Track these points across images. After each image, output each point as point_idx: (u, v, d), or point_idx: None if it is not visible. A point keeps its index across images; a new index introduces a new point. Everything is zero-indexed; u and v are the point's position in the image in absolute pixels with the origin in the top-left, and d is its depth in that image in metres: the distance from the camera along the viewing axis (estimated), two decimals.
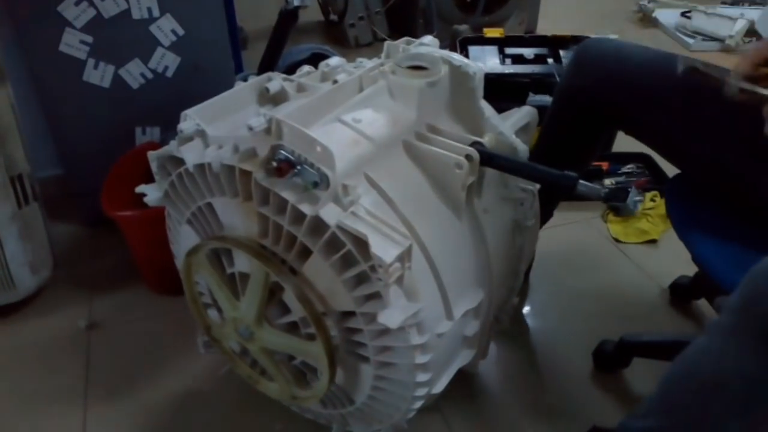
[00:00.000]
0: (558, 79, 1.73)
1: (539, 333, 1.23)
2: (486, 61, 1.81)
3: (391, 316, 0.69)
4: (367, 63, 0.93)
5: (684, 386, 0.70)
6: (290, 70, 1.01)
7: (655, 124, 0.94)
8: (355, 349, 0.79)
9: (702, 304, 1.29)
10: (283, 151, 0.71)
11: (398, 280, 0.70)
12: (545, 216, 1.22)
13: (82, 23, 1.25)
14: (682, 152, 0.95)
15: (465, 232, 0.80)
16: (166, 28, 1.33)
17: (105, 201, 1.19)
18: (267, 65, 1.17)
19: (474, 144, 0.78)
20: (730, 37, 2.41)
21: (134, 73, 1.35)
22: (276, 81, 0.90)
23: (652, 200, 1.57)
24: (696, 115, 0.88)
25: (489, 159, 0.77)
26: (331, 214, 0.69)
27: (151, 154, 0.85)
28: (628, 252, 1.45)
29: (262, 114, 0.72)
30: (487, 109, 0.85)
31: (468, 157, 0.76)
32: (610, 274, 1.38)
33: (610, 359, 1.13)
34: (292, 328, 0.81)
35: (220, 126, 0.84)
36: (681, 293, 1.31)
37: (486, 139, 0.80)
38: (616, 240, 1.48)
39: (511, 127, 0.86)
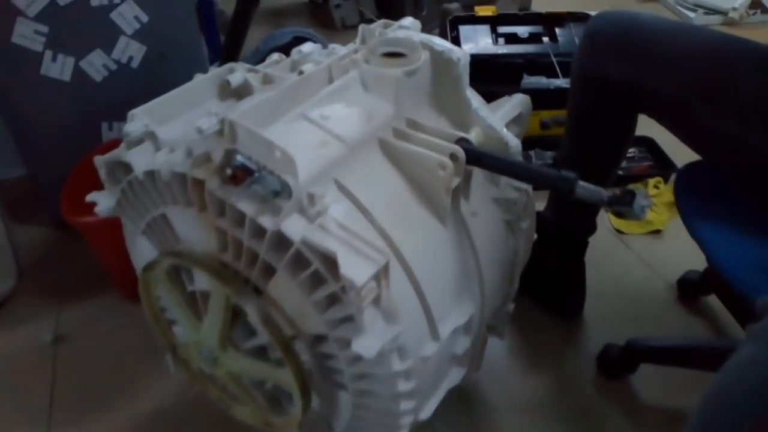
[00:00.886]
0: (553, 59, 1.63)
1: (537, 336, 1.15)
2: (478, 41, 1.70)
3: (366, 344, 0.60)
4: (340, 50, 0.83)
5: (729, 404, 0.59)
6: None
7: (678, 102, 0.85)
8: (330, 375, 0.70)
9: (712, 300, 1.21)
10: (238, 157, 0.62)
11: (374, 301, 0.61)
12: (586, 227, 1.13)
13: (35, 12, 1.14)
14: (705, 132, 0.86)
15: (451, 239, 0.71)
16: (128, 15, 1.22)
17: (65, 206, 1.10)
18: (229, 55, 1.07)
19: (459, 141, 0.68)
20: (734, 9, 2.30)
21: (96, 64, 1.25)
22: (238, 73, 0.80)
23: (656, 187, 1.48)
24: (724, 89, 0.79)
25: (476, 158, 0.67)
26: (294, 227, 0.60)
27: (98, 160, 0.76)
28: (631, 244, 1.36)
29: (214, 113, 0.63)
30: (475, 99, 0.75)
31: (452, 156, 0.66)
32: (612, 268, 1.29)
33: (616, 365, 1.05)
34: (261, 351, 0.73)
35: (174, 126, 0.74)
36: (689, 289, 1.23)
37: (473, 135, 0.71)
38: (618, 231, 1.39)
39: (501, 120, 0.77)
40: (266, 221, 0.61)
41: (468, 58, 0.73)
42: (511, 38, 1.71)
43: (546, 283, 1.14)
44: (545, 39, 1.72)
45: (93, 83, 1.26)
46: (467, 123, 0.74)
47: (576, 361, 1.10)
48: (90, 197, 0.81)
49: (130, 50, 1.27)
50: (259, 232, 0.62)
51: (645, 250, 1.34)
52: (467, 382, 0.89)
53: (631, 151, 1.61)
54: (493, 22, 1.73)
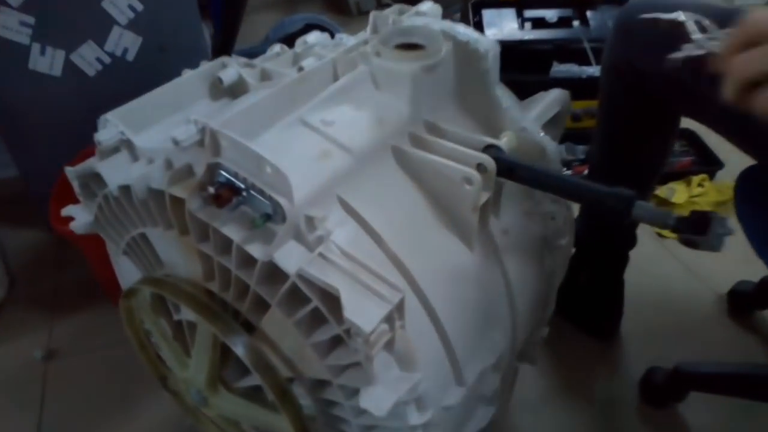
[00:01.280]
0: (586, 45, 1.50)
1: (571, 355, 1.03)
2: (502, 26, 1.58)
3: (377, 398, 0.50)
4: (348, 41, 0.72)
5: None
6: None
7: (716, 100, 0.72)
8: (335, 423, 0.60)
9: None
10: (223, 172, 0.52)
11: (387, 346, 0.51)
12: (625, 240, 1.01)
13: (19, 1, 1.05)
14: (762, 136, 0.73)
15: (479, 264, 0.60)
16: (121, 4, 1.12)
17: (53, 212, 1.01)
18: (221, 47, 0.97)
19: (488, 148, 0.57)
20: None
21: (89, 57, 1.15)
22: (231, 68, 0.69)
23: (700, 185, 1.35)
24: None
25: (509, 169, 0.56)
26: (290, 257, 0.50)
27: (70, 171, 0.66)
28: (674, 250, 1.23)
29: (193, 120, 0.52)
30: (506, 97, 0.64)
31: (480, 167, 0.55)
32: (654, 278, 1.17)
33: (662, 392, 0.94)
34: (257, 392, 0.63)
35: (156, 133, 0.64)
36: (742, 302, 1.10)
37: (504, 140, 0.60)
38: (659, 235, 1.26)
39: (536, 121, 0.65)
40: (256, 250, 0.50)
41: (497, 50, 0.62)
42: (539, 23, 1.58)
43: (577, 299, 1.02)
44: (576, 23, 1.58)
45: (86, 78, 1.17)
46: (497, 126, 0.63)
47: (616, 385, 0.98)
48: (66, 211, 0.71)
49: (125, 42, 1.17)
50: (249, 260, 0.52)
51: (690, 256, 1.21)
52: (495, 416, 0.78)
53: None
54: (519, 5, 1.60)
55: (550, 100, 0.70)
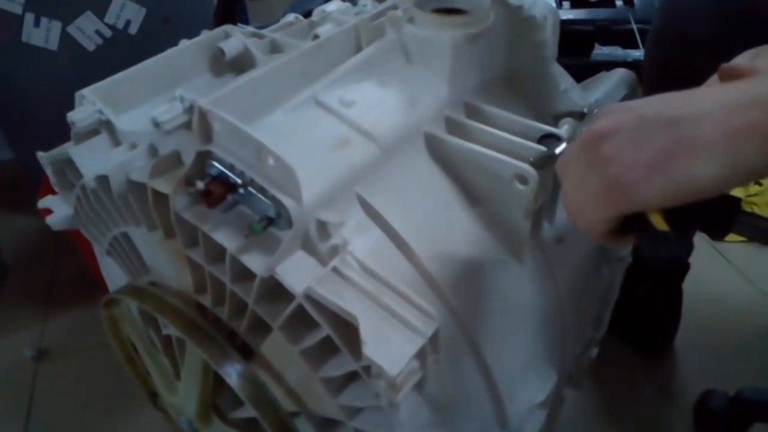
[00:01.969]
0: (633, 25, 1.37)
1: (615, 374, 0.92)
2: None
3: None
4: (375, 6, 0.61)
5: None
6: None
7: None
8: None
9: None
10: (215, 163, 0.41)
11: (417, 386, 0.40)
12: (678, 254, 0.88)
13: None
14: None
15: (529, 282, 0.49)
16: None
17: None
18: (224, 14, 0.86)
19: (546, 139, 0.46)
20: None
21: (87, 30, 1.06)
22: (235, 38, 0.59)
23: (758, 183, 1.22)
24: None
25: None
26: (296, 272, 0.39)
27: (42, 157, 0.56)
28: (730, 254, 1.10)
29: (179, 98, 0.42)
30: (564, 77, 0.52)
31: (536, 163, 0.44)
32: (707, 286, 1.04)
33: (720, 420, 0.82)
34: (256, 424, 0.53)
35: (144, 113, 0.54)
36: None
37: (565, 128, 0.48)
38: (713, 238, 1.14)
39: (601, 105, 0.54)
40: (254, 262, 0.40)
41: (558, 17, 0.51)
42: (578, 1, 1.45)
43: (631, 312, 0.91)
44: (619, 2, 1.44)
45: (84, 52, 1.07)
46: (555, 111, 0.52)
47: (667, 409, 0.87)
48: (43, 203, 0.62)
49: (127, 13, 1.07)
50: (247, 273, 0.42)
51: (748, 262, 1.08)
52: None
53: None
54: None
55: (615, 81, 0.59)
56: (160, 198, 0.44)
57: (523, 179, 0.44)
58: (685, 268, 0.89)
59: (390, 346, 0.37)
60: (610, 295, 0.62)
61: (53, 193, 0.62)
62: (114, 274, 0.63)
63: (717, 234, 0.40)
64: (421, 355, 0.38)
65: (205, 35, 0.61)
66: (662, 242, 0.29)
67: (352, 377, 0.43)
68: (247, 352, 0.48)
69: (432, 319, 0.38)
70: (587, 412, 0.87)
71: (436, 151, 0.48)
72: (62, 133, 1.01)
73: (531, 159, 0.43)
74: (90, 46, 1.07)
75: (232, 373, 0.45)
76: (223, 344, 0.46)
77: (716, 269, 1.08)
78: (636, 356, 0.93)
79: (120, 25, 1.07)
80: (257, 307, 0.43)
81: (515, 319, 0.48)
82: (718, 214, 0.41)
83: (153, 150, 0.47)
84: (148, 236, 0.49)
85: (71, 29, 1.04)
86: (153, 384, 0.66)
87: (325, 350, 0.42)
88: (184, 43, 0.61)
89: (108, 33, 1.07)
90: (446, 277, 0.43)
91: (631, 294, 0.88)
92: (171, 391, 0.56)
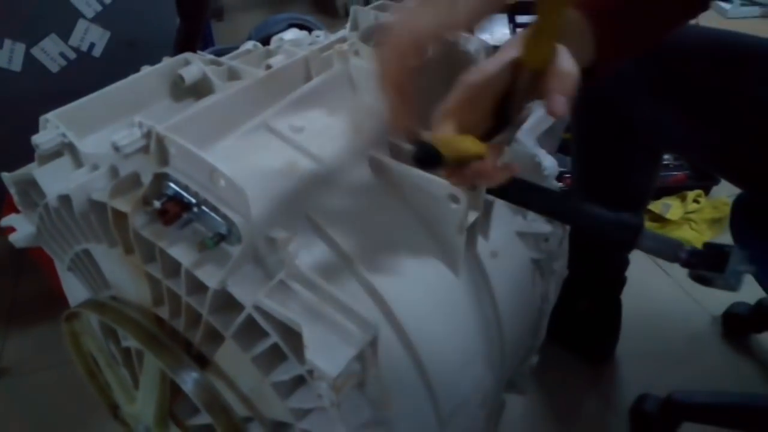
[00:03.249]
0: None
1: (557, 381, 0.97)
2: (493, 31, 1.52)
3: None
4: (326, 38, 0.65)
5: None
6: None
7: (708, 138, 0.66)
8: None
9: (765, 339, 1.03)
10: (171, 184, 0.45)
11: (358, 386, 0.44)
12: (621, 263, 0.95)
13: None
14: (746, 170, 0.68)
15: (464, 291, 0.54)
16: None
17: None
18: (186, 40, 0.89)
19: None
20: None
21: (51, 52, 1.07)
22: (195, 65, 0.62)
23: (696, 201, 1.30)
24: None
25: (501, 187, 0.50)
26: (245, 285, 0.43)
27: (6, 177, 0.59)
28: (669, 269, 1.18)
29: (137, 124, 0.45)
30: None
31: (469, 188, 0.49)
32: (647, 299, 1.11)
33: (653, 422, 0.88)
34: (212, 430, 0.56)
35: (107, 136, 0.57)
36: (737, 325, 1.05)
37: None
38: None
39: (530, 133, 0.59)
40: (207, 275, 0.43)
41: (490, 50, 0.56)
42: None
43: (574, 324, 0.96)
44: None
45: (48, 74, 1.09)
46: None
47: (607, 413, 0.92)
48: (6, 221, 0.64)
49: (91, 36, 1.09)
50: (201, 285, 0.45)
51: (685, 276, 1.15)
52: None
53: (665, 159, 1.42)
54: (512, 10, 1.54)
55: (543, 112, 0.64)
56: (120, 216, 0.48)
57: (455, 199, 0.48)
58: (622, 281, 0.95)
59: (330, 350, 0.40)
60: (546, 305, 0.66)
61: (16, 212, 0.64)
62: (75, 290, 0.66)
63: (625, 248, 0.45)
64: (361, 358, 0.42)
65: (166, 62, 0.64)
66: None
67: (299, 381, 0.47)
68: (202, 362, 0.51)
69: (370, 326, 0.42)
70: (534, 417, 0.92)
71: (380, 173, 0.52)
72: (25, 153, 1.03)
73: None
74: (54, 68, 1.09)
75: (188, 381, 0.48)
76: (179, 354, 0.50)
77: (655, 283, 1.15)
78: (580, 365, 0.99)
79: (84, 48, 1.10)
80: (211, 318, 0.46)
81: (452, 327, 0.52)
82: (623, 232, 0.46)
83: (114, 171, 0.50)
84: (108, 252, 0.52)
85: (35, 51, 1.06)
86: (113, 396, 0.69)
87: (275, 357, 0.45)
88: (146, 69, 0.65)
89: (72, 55, 1.09)
90: (386, 288, 0.47)
91: (574, 307, 0.94)
92: (130, 401, 0.59)
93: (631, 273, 0.98)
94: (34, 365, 1.01)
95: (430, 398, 0.50)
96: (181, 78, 0.61)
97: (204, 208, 0.43)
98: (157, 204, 0.44)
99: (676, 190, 1.33)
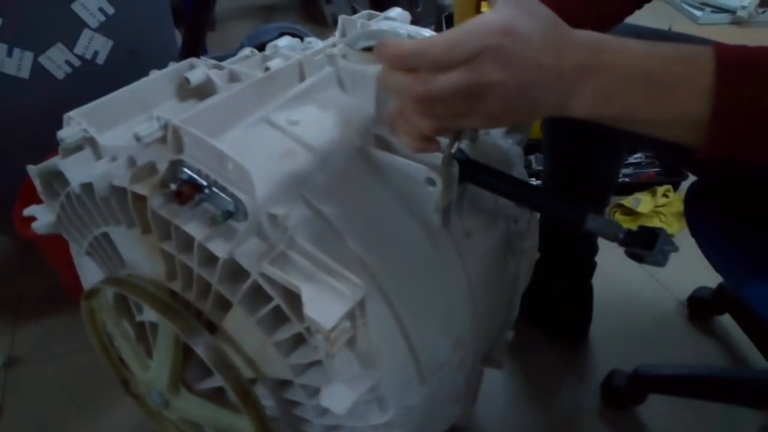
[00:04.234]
0: None
1: (535, 361, 1.05)
2: None
3: (337, 397, 0.50)
4: (316, 44, 0.73)
5: None
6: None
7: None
8: (297, 424, 0.60)
9: (725, 320, 1.11)
10: (185, 169, 0.52)
11: (348, 343, 0.51)
12: (589, 248, 1.02)
13: None
14: (693, 161, 0.75)
15: (442, 263, 0.61)
16: (91, 6, 1.12)
17: (17, 216, 1.00)
18: (190, 47, 0.97)
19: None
20: (743, 8, 2.20)
21: (58, 60, 1.14)
22: (199, 69, 0.69)
23: (665, 195, 1.38)
24: None
25: (473, 173, 0.57)
26: (251, 255, 0.50)
27: (32, 169, 0.65)
28: None
29: (155, 117, 0.52)
30: None
31: (443, 170, 0.56)
32: (617, 285, 1.19)
33: (622, 394, 0.95)
34: (219, 393, 0.62)
35: (121, 131, 0.63)
36: (701, 308, 1.13)
37: (466, 143, 0.61)
38: None
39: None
40: (217, 247, 0.50)
41: None
42: None
43: (548, 307, 1.04)
44: None
45: (54, 81, 1.16)
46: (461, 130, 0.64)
47: (580, 389, 1.00)
48: (28, 211, 0.70)
49: (95, 45, 1.16)
50: (211, 258, 0.52)
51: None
52: (460, 421, 0.79)
53: (637, 158, 1.51)
54: None
55: None
56: (138, 200, 0.54)
57: (432, 182, 0.56)
58: (592, 266, 1.03)
59: (325, 307, 0.47)
60: (517, 282, 0.74)
61: (32, 204, 0.70)
62: (90, 274, 0.72)
63: (574, 228, 0.53)
64: (351, 316, 0.49)
65: (173, 66, 0.71)
66: None
67: (298, 341, 0.53)
68: (211, 328, 0.58)
69: (359, 288, 0.49)
70: (512, 393, 0.99)
71: (367, 161, 0.59)
72: (31, 155, 1.09)
73: None
74: (59, 75, 1.16)
75: (200, 343, 0.55)
76: (192, 320, 0.56)
77: (627, 270, 1.23)
78: (556, 345, 1.06)
79: (88, 56, 1.16)
80: (220, 287, 0.53)
81: (430, 294, 0.59)
82: (573, 214, 0.54)
83: (132, 161, 0.57)
84: (127, 234, 0.59)
85: (43, 59, 1.13)
86: (124, 371, 0.75)
87: (277, 319, 0.52)
88: (154, 73, 0.72)
89: (77, 63, 1.16)
90: (372, 259, 0.54)
91: (548, 290, 1.02)
92: (144, 370, 0.65)
93: (603, 261, 1.06)
94: (41, 355, 1.07)
95: (412, 357, 0.58)
96: (187, 80, 0.68)
97: (214, 189, 0.50)
98: (173, 186, 0.51)
99: (647, 185, 1.41)
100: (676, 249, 0.52)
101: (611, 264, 1.20)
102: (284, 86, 0.60)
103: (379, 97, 0.60)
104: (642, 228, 0.54)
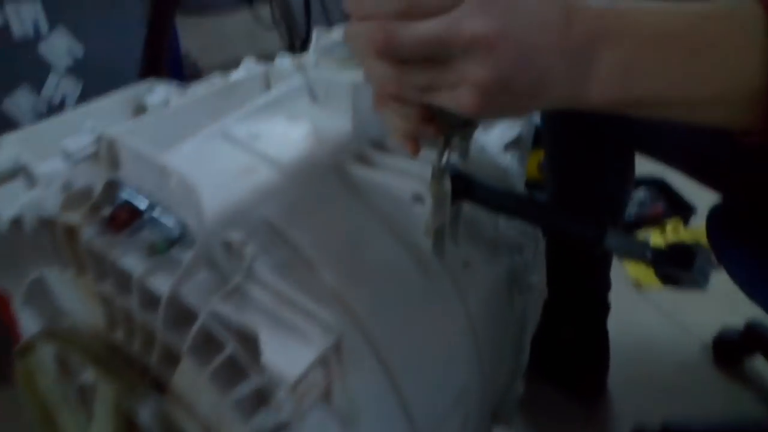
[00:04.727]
0: None
1: (547, 419, 0.93)
2: None
3: None
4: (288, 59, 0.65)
5: None
6: None
7: (681, 138, 0.66)
8: None
9: (758, 362, 1.00)
10: (123, 191, 0.43)
11: (323, 399, 0.41)
12: (600, 282, 0.93)
13: None
14: (721, 173, 0.67)
15: (436, 298, 0.51)
16: (59, 48, 1.06)
17: None
18: (150, 64, 0.89)
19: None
20: None
21: (23, 106, 1.08)
22: (159, 90, 0.62)
23: (675, 231, 1.30)
24: None
25: (467, 188, 0.49)
26: (199, 291, 0.41)
27: None
28: (652, 298, 1.16)
29: (89, 129, 0.44)
30: None
31: (433, 185, 0.47)
32: (634, 329, 1.08)
33: None
34: None
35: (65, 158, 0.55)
36: (728, 350, 1.02)
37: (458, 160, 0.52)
38: (637, 284, 1.19)
39: (496, 141, 0.59)
40: (159, 283, 0.41)
41: None
42: None
43: (559, 355, 0.93)
44: None
45: (19, 127, 1.08)
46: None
47: None
48: None
49: (63, 88, 1.10)
50: (155, 299, 0.42)
51: (671, 304, 1.14)
52: None
53: (641, 193, 1.43)
54: None
55: (509, 122, 0.64)
56: (71, 232, 0.45)
57: (420, 199, 0.47)
58: (606, 306, 0.93)
59: (290, 353, 0.38)
60: (525, 323, 0.64)
61: None
62: (28, 327, 0.62)
63: (592, 247, 0.44)
64: (324, 363, 0.39)
65: (131, 87, 0.64)
66: None
67: (262, 399, 0.43)
68: (160, 387, 0.47)
69: (333, 329, 0.40)
70: None
71: (344, 179, 0.51)
72: None
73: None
74: (25, 121, 1.09)
75: (144, 409, 0.45)
76: (133, 379, 0.46)
77: (640, 312, 1.12)
78: (571, 399, 0.95)
79: (56, 100, 1.10)
80: (165, 334, 0.43)
81: (425, 335, 0.49)
82: (590, 230, 0.45)
83: (67, 186, 0.48)
84: (61, 276, 0.50)
85: (6, 105, 1.06)
86: None
87: (233, 372, 0.42)
88: (108, 95, 0.64)
89: (44, 108, 1.09)
90: (352, 293, 0.45)
91: (558, 336, 0.91)
92: None
93: (614, 305, 0.96)
94: None
95: (404, 416, 0.47)
96: (144, 102, 0.61)
97: (156, 212, 0.42)
98: (106, 211, 0.42)
99: (655, 221, 1.33)
100: (716, 267, 0.43)
101: (619, 303, 1.09)
102: (246, 97, 0.52)
103: (357, 107, 0.52)
104: (674, 245, 0.45)
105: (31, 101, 1.08)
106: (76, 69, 1.09)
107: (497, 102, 0.32)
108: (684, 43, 0.31)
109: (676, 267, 0.44)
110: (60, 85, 1.09)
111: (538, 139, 0.85)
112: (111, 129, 0.43)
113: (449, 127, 0.44)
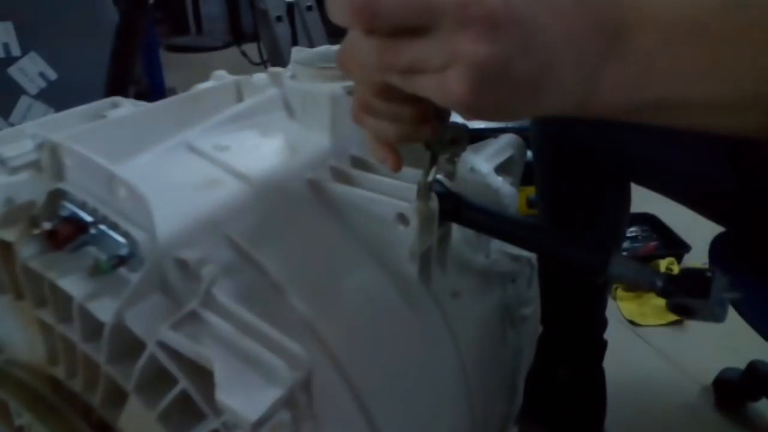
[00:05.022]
0: None
1: None
2: None
3: None
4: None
5: None
6: None
7: (678, 165, 0.63)
8: None
9: (761, 406, 0.95)
10: (67, 203, 0.38)
11: None
12: (595, 322, 0.88)
13: None
14: (725, 202, 0.63)
15: (422, 330, 0.46)
16: (31, 71, 1.02)
17: None
18: (115, 81, 0.85)
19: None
20: None
21: None
22: (123, 108, 0.57)
23: (669, 269, 1.26)
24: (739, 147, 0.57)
25: (456, 208, 0.44)
26: (147, 318, 0.35)
27: None
28: (649, 338, 1.11)
29: (30, 135, 0.39)
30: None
31: (419, 204, 0.43)
32: (629, 370, 1.03)
33: None
34: None
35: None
36: (730, 393, 0.97)
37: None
38: (632, 323, 1.14)
39: (487, 161, 0.55)
40: (102, 308, 0.35)
41: None
42: None
43: (554, 396, 0.87)
44: None
45: None
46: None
47: None
48: None
49: (34, 113, 1.05)
50: (99, 328, 0.37)
51: (668, 345, 1.08)
52: None
53: (632, 231, 1.40)
54: None
55: (500, 144, 0.60)
56: (8, 251, 0.40)
57: (404, 219, 0.42)
58: (602, 345, 0.88)
59: (249, 390, 0.32)
60: (519, 360, 0.59)
61: None
62: None
63: (594, 275, 0.40)
64: (291, 403, 0.34)
65: (93, 104, 0.59)
66: None
67: None
68: (104, 431, 0.41)
69: (302, 363, 0.34)
70: None
71: (321, 198, 0.46)
72: None
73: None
74: None
75: None
76: (73, 420, 0.40)
77: (636, 353, 1.07)
78: None
79: None
80: (110, 368, 0.38)
81: (408, 370, 0.44)
82: (593, 257, 0.41)
83: (8, 200, 0.43)
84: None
85: None
86: None
87: (187, 412, 0.37)
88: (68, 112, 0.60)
89: None
90: (326, 322, 0.40)
91: (553, 376, 0.86)
92: None
93: (609, 344, 0.91)
94: None
95: None
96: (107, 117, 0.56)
97: (102, 227, 0.36)
98: (46, 225, 0.37)
99: (648, 259, 1.29)
100: (737, 296, 0.39)
101: (615, 344, 1.04)
102: (215, 108, 0.47)
103: (336, 120, 0.48)
104: (687, 271, 0.40)
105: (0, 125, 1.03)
106: (48, 94, 1.05)
107: (491, 93, 0.27)
108: (714, 34, 0.27)
109: (690, 296, 0.39)
110: (31, 109, 1.04)
111: (526, 176, 0.81)
112: (55, 135, 0.38)
113: (437, 143, 0.40)
